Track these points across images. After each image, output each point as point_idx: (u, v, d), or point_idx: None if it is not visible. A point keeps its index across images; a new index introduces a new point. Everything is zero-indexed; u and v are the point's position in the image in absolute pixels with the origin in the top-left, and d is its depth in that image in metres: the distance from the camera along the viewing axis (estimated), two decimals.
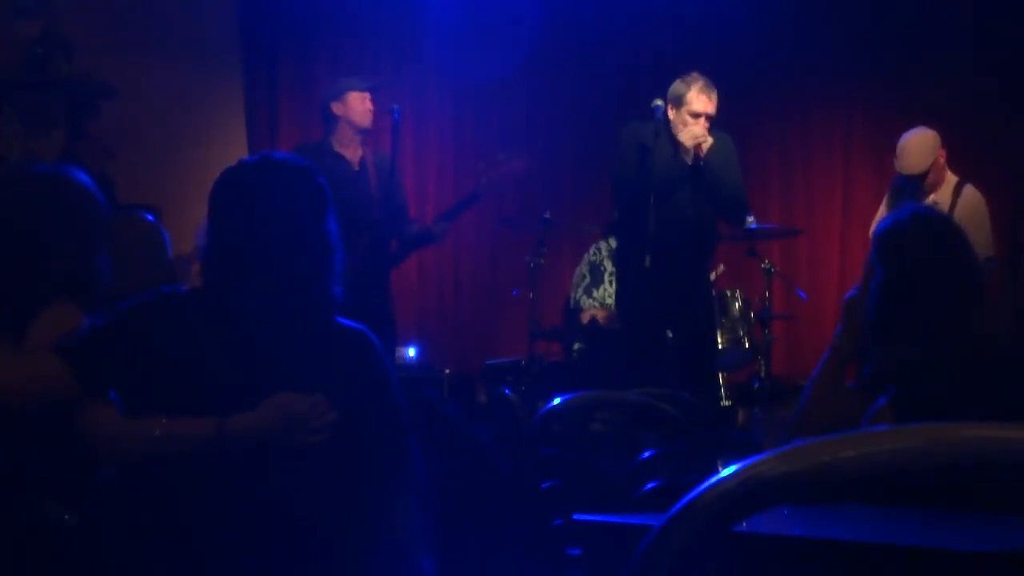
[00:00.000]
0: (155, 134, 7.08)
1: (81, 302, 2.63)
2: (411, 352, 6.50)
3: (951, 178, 5.97)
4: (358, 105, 5.60)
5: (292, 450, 2.24)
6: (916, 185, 5.82)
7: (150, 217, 3.62)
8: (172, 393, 2.25)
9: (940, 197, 5.89)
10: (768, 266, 6.33)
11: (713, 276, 6.33)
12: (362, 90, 5.61)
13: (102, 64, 6.79)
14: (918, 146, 5.85)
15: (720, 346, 6.22)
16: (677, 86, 5.40)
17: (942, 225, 2.73)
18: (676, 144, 5.36)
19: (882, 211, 5.89)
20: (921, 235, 2.65)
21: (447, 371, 6.17)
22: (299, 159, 2.43)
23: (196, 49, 7.31)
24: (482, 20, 7.81)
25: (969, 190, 5.93)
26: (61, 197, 2.68)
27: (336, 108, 5.63)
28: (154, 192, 6.64)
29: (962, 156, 6.80)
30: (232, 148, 7.15)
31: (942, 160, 5.91)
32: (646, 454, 3.15)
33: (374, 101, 5.67)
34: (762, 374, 6.28)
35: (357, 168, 5.64)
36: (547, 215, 6.48)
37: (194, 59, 7.27)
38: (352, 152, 5.66)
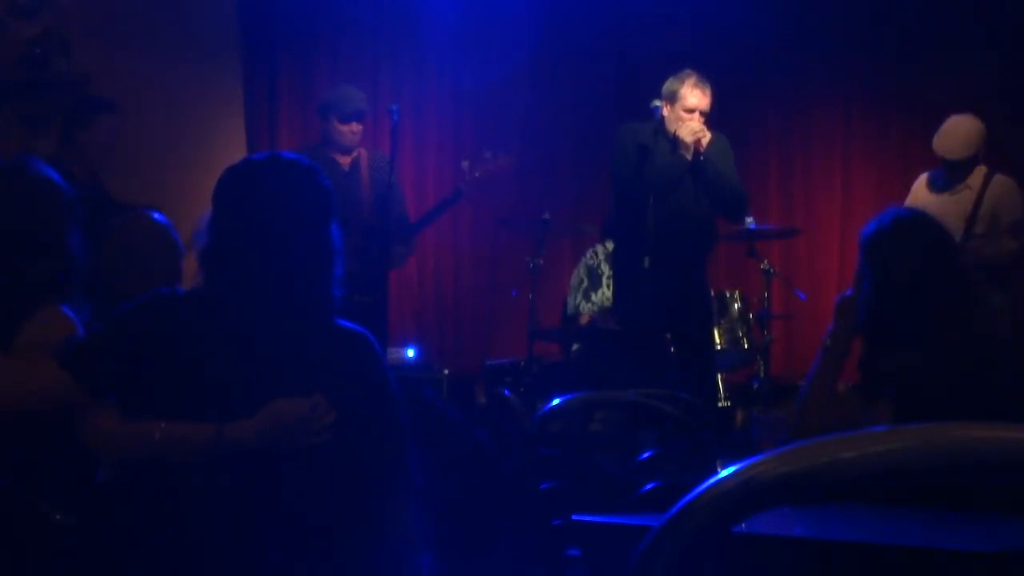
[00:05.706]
0: (154, 134, 7.07)
1: (65, 298, 2.62)
2: (411, 352, 6.49)
3: (981, 168, 6.02)
4: (341, 128, 5.71)
5: (291, 451, 2.24)
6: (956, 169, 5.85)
7: (161, 218, 3.58)
8: (172, 395, 2.25)
9: (972, 182, 5.95)
10: (767, 266, 6.32)
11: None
12: (343, 121, 5.69)
13: (102, 64, 6.78)
14: (961, 131, 5.90)
15: (719, 346, 6.22)
16: (670, 83, 5.41)
17: (925, 227, 2.71)
18: (674, 142, 5.36)
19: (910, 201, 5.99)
20: (904, 239, 2.64)
21: (446, 371, 6.16)
22: (306, 160, 2.42)
23: (196, 49, 7.30)
24: (482, 20, 7.80)
25: (1000, 177, 5.98)
26: (25, 191, 2.66)
27: (323, 124, 5.82)
28: (152, 192, 6.64)
29: None
30: (231, 148, 7.15)
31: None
32: (646, 454, 3.15)
33: (361, 122, 5.79)
34: (761, 374, 6.28)
35: (347, 169, 5.73)
36: (546, 216, 6.47)
37: (194, 59, 7.26)
38: (342, 155, 5.74)
